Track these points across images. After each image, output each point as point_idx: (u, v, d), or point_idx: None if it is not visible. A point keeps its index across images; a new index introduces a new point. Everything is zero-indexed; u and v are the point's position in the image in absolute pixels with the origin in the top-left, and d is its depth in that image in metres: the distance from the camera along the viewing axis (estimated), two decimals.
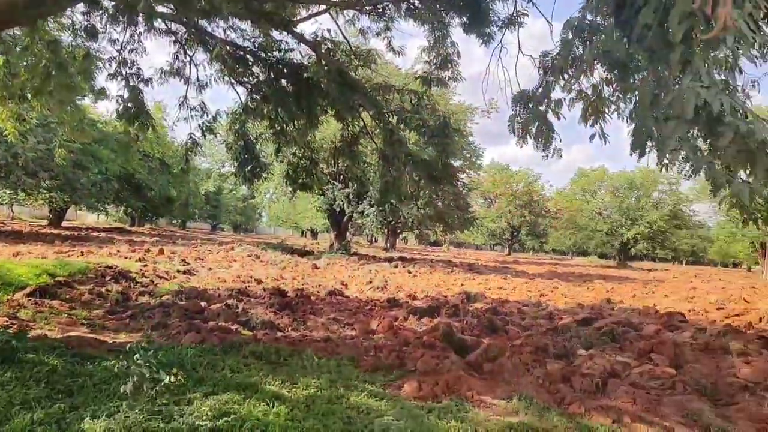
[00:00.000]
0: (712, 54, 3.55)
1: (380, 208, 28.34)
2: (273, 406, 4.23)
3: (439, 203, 34.77)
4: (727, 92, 3.56)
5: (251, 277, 14.69)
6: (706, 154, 3.88)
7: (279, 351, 6.15)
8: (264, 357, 5.92)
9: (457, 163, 43.11)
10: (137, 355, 4.50)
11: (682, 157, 3.82)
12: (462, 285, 17.30)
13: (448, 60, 10.26)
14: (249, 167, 11.75)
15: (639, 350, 7.78)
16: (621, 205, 53.85)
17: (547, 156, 5.09)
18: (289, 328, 8.34)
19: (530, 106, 5.02)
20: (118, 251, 18.29)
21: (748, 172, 4.13)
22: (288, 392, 4.72)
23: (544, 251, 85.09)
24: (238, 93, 11.78)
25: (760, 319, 13.27)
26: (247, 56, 10.76)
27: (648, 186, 53.63)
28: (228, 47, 10.41)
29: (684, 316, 12.61)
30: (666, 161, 3.75)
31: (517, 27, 8.66)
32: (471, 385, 5.19)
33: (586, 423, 4.58)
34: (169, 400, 4.18)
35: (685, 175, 3.90)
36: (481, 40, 8.97)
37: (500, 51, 8.41)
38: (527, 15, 8.66)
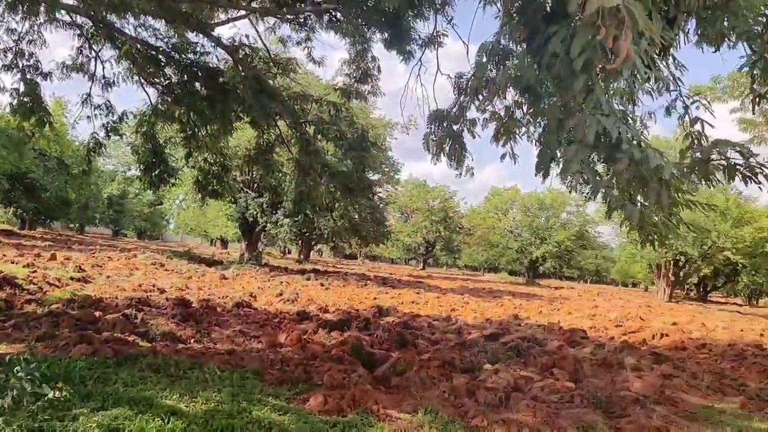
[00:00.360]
0: (613, 85, 3.84)
1: (295, 219, 28.04)
2: (168, 422, 4.06)
3: (356, 216, 34.90)
4: (625, 122, 3.86)
5: (154, 286, 14.03)
6: (605, 178, 4.18)
7: (179, 363, 5.92)
8: (162, 370, 5.68)
9: (375, 177, 43.53)
10: (18, 368, 4.18)
11: (583, 180, 4.09)
12: (375, 299, 17.41)
13: (368, 74, 10.44)
14: (156, 171, 11.33)
15: (542, 365, 8.17)
16: (531, 224, 56.39)
17: (460, 174, 5.30)
18: (192, 340, 8.05)
19: (445, 125, 5.21)
20: (4, 255, 16.90)
21: (641, 197, 4.50)
22: (186, 407, 4.55)
23: (458, 267, 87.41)
24: (147, 93, 11.34)
25: (653, 336, 14.34)
26: (160, 56, 10.40)
27: (557, 207, 56.56)
28: (139, 45, 10.01)
29: (585, 332, 13.37)
30: (568, 183, 4.00)
31: (436, 47, 8.94)
32: (377, 398, 5.24)
33: None
34: (52, 416, 3.91)
35: (585, 197, 4.18)
36: (401, 57, 9.19)
37: (419, 69, 8.66)
38: (447, 35, 8.97)
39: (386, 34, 9.03)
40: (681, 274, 39.55)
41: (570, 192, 4.38)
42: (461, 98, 5.22)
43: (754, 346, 13.63)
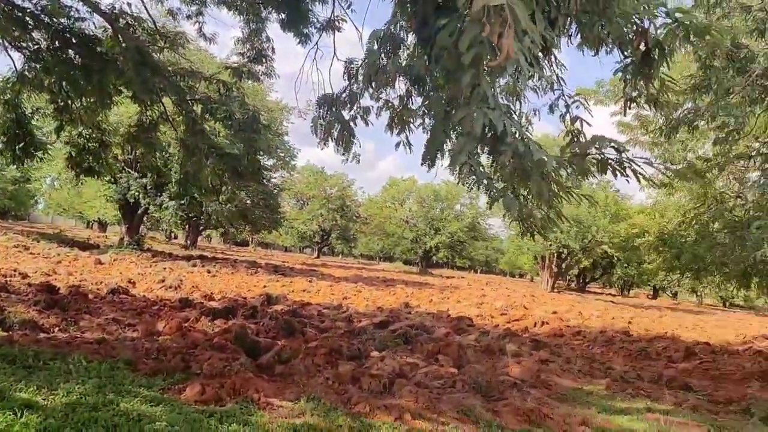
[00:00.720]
0: (498, 80, 4.03)
1: (180, 202, 26.83)
2: (21, 416, 3.79)
3: (248, 201, 34.09)
4: (509, 116, 4.08)
5: (15, 270, 12.95)
6: (488, 170, 4.40)
7: (39, 354, 5.53)
8: (19, 360, 5.27)
9: (269, 162, 42.77)
10: None
11: (469, 171, 4.28)
12: (265, 287, 17.18)
13: (262, 54, 10.21)
14: (21, 144, 10.37)
15: (428, 352, 8.50)
16: (427, 214, 58.03)
17: (347, 160, 5.35)
18: (56, 329, 7.53)
19: (334, 110, 5.23)
20: None
21: (524, 189, 4.79)
22: (44, 400, 4.27)
23: (353, 256, 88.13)
24: (12, 58, 10.31)
25: (535, 324, 15.37)
26: (27, 18, 9.47)
27: (452, 198, 58.59)
28: (2, 4, 9.07)
29: (472, 320, 14.04)
30: (455, 174, 4.17)
31: (334, 31, 8.92)
32: (259, 387, 5.20)
33: (369, 421, 4.88)
34: None
35: (469, 187, 4.38)
36: (298, 40, 9.07)
37: (316, 53, 8.60)
38: (345, 21, 8.97)
39: (283, 15, 8.87)
40: (563, 265, 42.51)
41: (458, 183, 4.57)
42: (351, 84, 5.26)
43: (622, 332, 15.03)
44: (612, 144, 3.99)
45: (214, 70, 16.03)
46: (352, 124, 5.29)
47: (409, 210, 60.03)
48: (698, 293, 57.23)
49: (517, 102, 5.96)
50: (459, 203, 59.51)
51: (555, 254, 40.31)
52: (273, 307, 11.81)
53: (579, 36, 5.23)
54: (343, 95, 5.22)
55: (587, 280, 52.68)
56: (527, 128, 6.18)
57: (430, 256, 59.34)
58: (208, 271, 21.05)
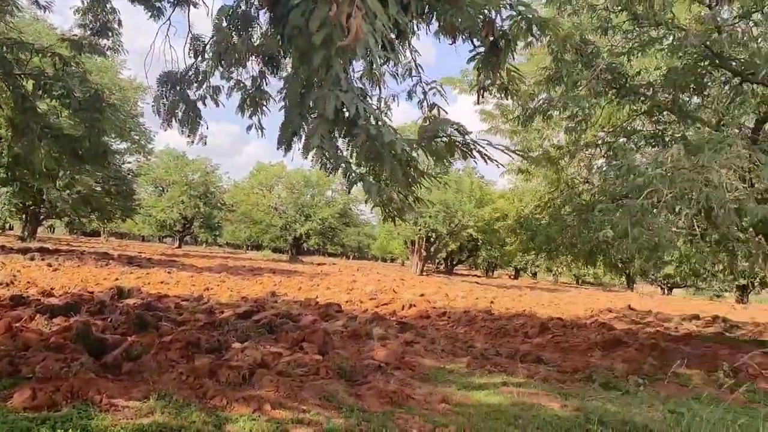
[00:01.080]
0: (354, 64, 4.10)
1: (13, 189, 24.27)
2: None
3: (99, 188, 31.73)
4: (363, 99, 4.17)
5: None
6: (345, 153, 4.48)
7: None
8: None
9: (123, 146, 40.13)
10: None
11: (325, 155, 4.32)
12: (116, 280, 16.15)
13: (107, 27, 9.48)
14: None
15: (293, 340, 8.51)
16: (297, 201, 57.59)
17: (193, 142, 5.17)
18: None
19: (178, 88, 5.02)
20: None
21: (383, 172, 4.92)
22: None
23: (218, 245, 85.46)
24: None
25: (403, 307, 15.94)
26: None
27: (323, 185, 58.59)
28: None
29: (341, 306, 14.25)
30: (310, 157, 4.19)
31: (189, 6, 8.50)
32: (102, 387, 4.91)
33: (226, 415, 4.81)
34: None
35: (327, 172, 4.43)
36: (149, 14, 8.53)
37: (168, 29, 8.16)
38: None
39: None
40: (432, 249, 44.30)
41: (314, 167, 4.60)
42: (197, 61, 5.07)
43: (485, 312, 16.04)
44: (455, 126, 4.22)
45: (53, 42, 14.67)
46: (201, 104, 5.11)
47: (278, 196, 59.18)
48: (554, 272, 62.47)
49: (377, 87, 6.12)
50: (330, 189, 59.71)
51: (424, 238, 41.87)
52: (125, 302, 11.15)
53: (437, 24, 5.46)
54: (189, 73, 5.02)
55: (455, 263, 55.45)
56: (386, 113, 6.36)
57: (300, 244, 59.10)
58: (49, 265, 19.31)
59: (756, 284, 37.93)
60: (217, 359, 6.59)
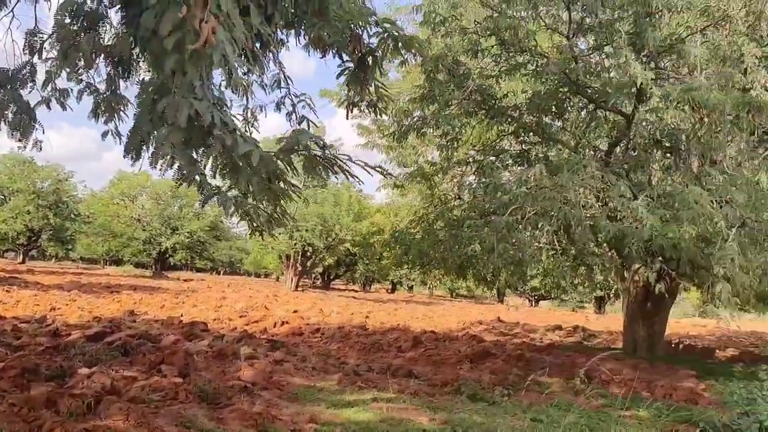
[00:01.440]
0: (208, 70, 4.01)
1: None
2: None
3: None
4: (220, 108, 4.09)
5: None
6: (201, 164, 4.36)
7: None
8: None
9: None
10: None
11: (179, 166, 4.18)
12: None
13: None
14: None
15: (150, 362, 8.08)
16: (162, 213, 54.88)
17: (25, 147, 4.80)
18: None
19: (9, 88, 4.63)
20: None
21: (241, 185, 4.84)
22: None
23: (71, 259, 79.16)
24: None
25: (275, 324, 15.72)
26: None
27: (191, 196, 56.27)
28: None
29: (206, 325, 13.75)
30: (159, 167, 4.03)
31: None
32: None
33: None
34: None
35: (177, 183, 4.28)
36: None
37: (11, 21, 7.53)
38: None
39: None
40: (308, 264, 44.04)
41: (162, 176, 4.42)
42: (39, 61, 4.72)
43: (359, 327, 16.22)
44: (313, 139, 4.26)
45: None
46: (45, 107, 4.73)
47: (141, 207, 56.11)
48: (429, 286, 64.50)
49: (244, 97, 6.04)
50: (199, 200, 57.65)
51: (300, 252, 41.53)
52: None
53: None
54: (23, 72, 4.65)
55: (332, 278, 55.50)
56: (252, 123, 6.30)
57: (166, 258, 56.36)
58: None
59: (611, 295, 41.49)
60: (59, 387, 6.10)
